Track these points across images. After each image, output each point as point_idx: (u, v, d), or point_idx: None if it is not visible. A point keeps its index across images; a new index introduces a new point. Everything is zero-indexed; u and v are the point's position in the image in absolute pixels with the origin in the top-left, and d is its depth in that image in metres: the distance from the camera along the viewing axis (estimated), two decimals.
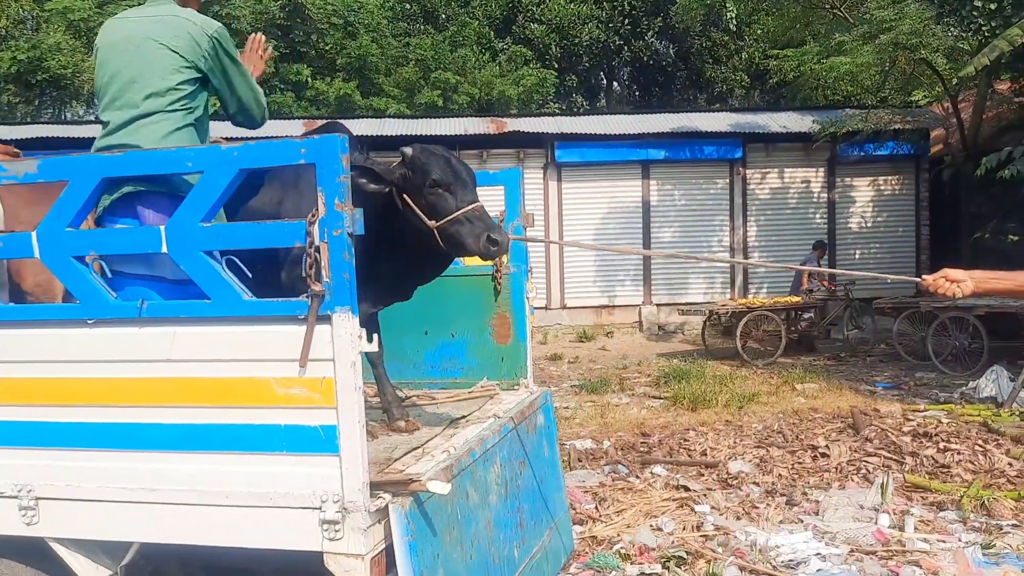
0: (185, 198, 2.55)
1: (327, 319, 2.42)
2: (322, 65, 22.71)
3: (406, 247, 3.29)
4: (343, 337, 2.41)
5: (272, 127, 13.63)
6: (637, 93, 30.77)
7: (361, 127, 16.19)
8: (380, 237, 3.09)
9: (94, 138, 3.18)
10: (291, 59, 22.08)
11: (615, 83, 31.51)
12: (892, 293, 13.77)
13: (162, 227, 2.53)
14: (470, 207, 3.13)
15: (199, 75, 3.08)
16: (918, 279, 3.19)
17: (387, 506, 2.54)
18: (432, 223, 3.12)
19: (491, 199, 3.73)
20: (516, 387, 4.28)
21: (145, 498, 2.60)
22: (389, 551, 2.60)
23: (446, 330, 4.36)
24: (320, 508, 2.46)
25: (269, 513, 2.51)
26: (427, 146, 3.29)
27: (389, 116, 19.50)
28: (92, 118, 19.94)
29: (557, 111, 22.54)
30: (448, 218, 3.11)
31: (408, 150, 3.22)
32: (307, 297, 2.42)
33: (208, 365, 2.53)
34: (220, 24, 3.17)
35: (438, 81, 21.85)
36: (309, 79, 21.62)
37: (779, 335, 12.18)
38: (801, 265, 13.59)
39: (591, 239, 16.27)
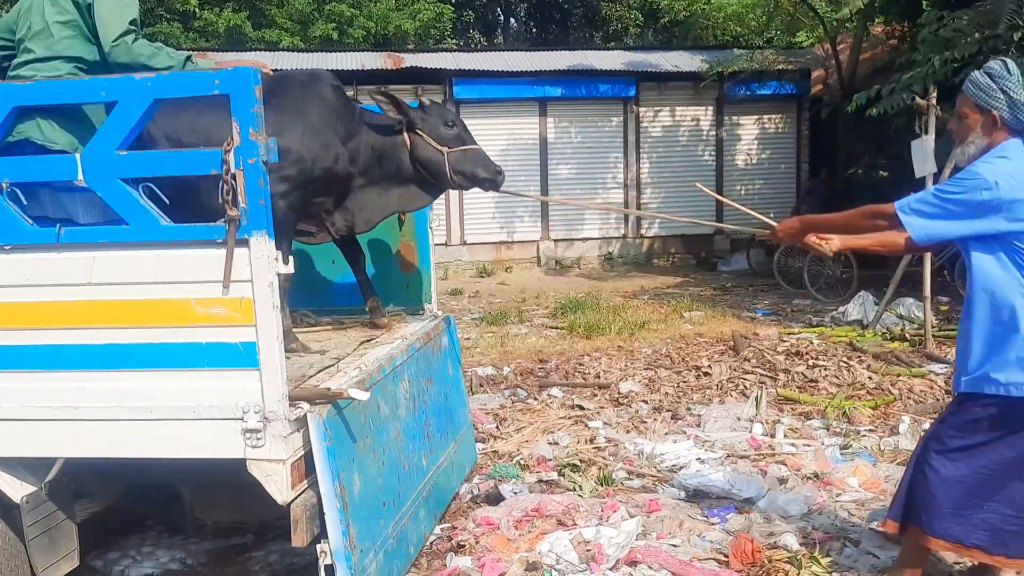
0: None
1: (244, 242, 2.58)
2: None
3: (391, 177, 3.93)
4: (260, 259, 2.58)
5: None
6: (534, 30, 30.75)
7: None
8: (374, 165, 3.86)
9: None
10: None
11: (512, 19, 31.37)
12: None
13: (77, 154, 2.61)
14: (476, 147, 3.92)
15: (80, 20, 3.17)
16: None
17: (305, 415, 2.76)
18: (445, 148, 3.80)
19: None
20: (421, 312, 4.52)
21: (69, 415, 2.73)
22: (308, 458, 2.83)
23: None
24: (242, 418, 2.65)
25: (194, 425, 2.69)
26: None
27: (282, 49, 18.96)
28: None
29: (455, 47, 22.36)
30: (462, 147, 3.84)
31: (426, 100, 4.00)
32: (224, 222, 2.57)
33: (128, 288, 2.65)
34: None
35: (332, 14, 21.30)
36: (196, 9, 20.71)
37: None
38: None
39: None
